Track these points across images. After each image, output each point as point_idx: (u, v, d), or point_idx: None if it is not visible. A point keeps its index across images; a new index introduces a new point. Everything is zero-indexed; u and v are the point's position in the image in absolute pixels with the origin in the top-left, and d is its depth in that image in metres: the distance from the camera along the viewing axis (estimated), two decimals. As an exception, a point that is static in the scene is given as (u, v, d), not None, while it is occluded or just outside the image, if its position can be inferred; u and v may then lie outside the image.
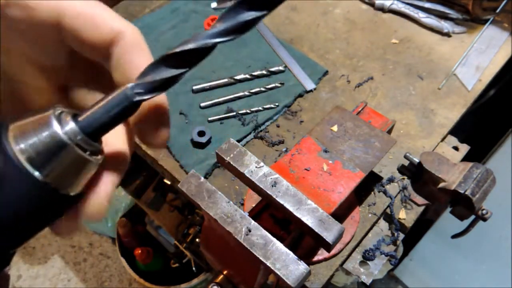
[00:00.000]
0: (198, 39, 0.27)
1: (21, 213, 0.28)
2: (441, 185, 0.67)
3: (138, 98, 0.28)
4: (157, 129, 0.31)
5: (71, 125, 0.28)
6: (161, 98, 0.31)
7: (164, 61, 0.28)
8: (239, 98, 0.92)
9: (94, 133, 0.28)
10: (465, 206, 0.66)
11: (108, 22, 0.30)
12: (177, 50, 0.27)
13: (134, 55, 0.30)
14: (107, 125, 0.29)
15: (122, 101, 0.28)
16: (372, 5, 1.11)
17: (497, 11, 1.07)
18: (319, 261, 0.73)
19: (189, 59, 0.28)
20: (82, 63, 0.33)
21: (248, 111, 0.89)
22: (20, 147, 0.27)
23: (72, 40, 0.30)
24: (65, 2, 0.29)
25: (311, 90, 0.95)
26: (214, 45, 0.28)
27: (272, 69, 0.95)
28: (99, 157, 0.30)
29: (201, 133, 0.84)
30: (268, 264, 0.51)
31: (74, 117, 0.29)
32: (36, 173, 0.27)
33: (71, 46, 0.31)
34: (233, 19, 0.27)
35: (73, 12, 0.29)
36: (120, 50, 0.30)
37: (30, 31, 0.30)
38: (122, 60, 0.30)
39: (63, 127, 0.28)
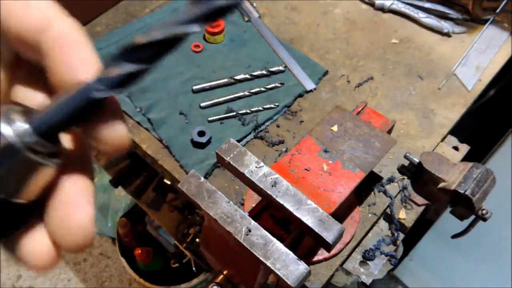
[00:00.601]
0: (166, 27, 0.24)
1: None
2: (441, 185, 0.67)
3: (97, 95, 0.25)
4: (112, 124, 0.26)
5: (21, 125, 0.25)
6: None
7: (128, 53, 0.24)
8: (239, 98, 0.92)
9: (48, 133, 0.25)
10: (465, 206, 0.66)
11: (36, 9, 0.26)
12: (143, 41, 0.24)
13: (67, 49, 0.26)
14: (63, 124, 0.25)
15: (80, 98, 0.25)
16: (372, 5, 1.11)
17: (497, 11, 1.06)
18: (319, 261, 0.73)
19: (156, 51, 0.24)
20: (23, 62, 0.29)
21: (248, 111, 0.89)
22: None
23: (3, 32, 0.26)
24: None
25: (311, 90, 0.94)
26: (186, 35, 0.24)
27: (272, 69, 0.95)
28: (56, 160, 0.26)
29: (201, 133, 0.84)
30: (268, 264, 0.51)
31: (26, 116, 0.25)
32: None
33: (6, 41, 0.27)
34: (206, 4, 0.24)
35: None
36: (49, 43, 0.26)
37: None
38: (53, 56, 0.26)
39: (11, 128, 0.24)
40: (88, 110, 0.25)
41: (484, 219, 0.66)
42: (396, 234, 0.76)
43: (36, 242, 0.27)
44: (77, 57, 0.26)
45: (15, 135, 0.24)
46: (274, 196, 0.56)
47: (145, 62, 0.25)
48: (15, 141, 0.24)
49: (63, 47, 0.26)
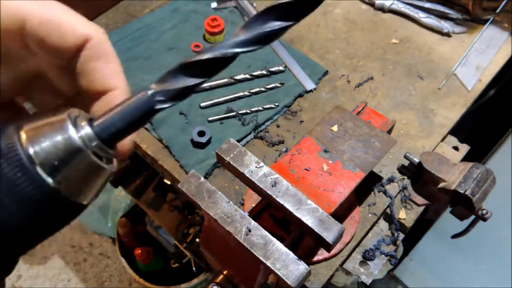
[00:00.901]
0: (218, 48, 0.26)
1: (30, 220, 0.26)
2: (441, 185, 0.67)
3: (159, 106, 0.27)
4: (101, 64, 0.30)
5: (86, 130, 0.27)
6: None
7: (184, 69, 0.27)
8: (239, 98, 0.92)
9: (109, 139, 0.27)
10: (465, 206, 0.66)
11: (74, 28, 0.29)
12: (197, 59, 0.27)
13: (100, 63, 0.29)
14: (124, 132, 0.27)
15: (142, 108, 0.27)
16: (372, 5, 1.11)
17: (497, 11, 1.06)
18: (319, 261, 0.73)
19: (208, 68, 0.27)
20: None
21: (248, 111, 0.89)
22: (33, 151, 0.25)
23: (36, 47, 0.29)
24: (27, 6, 0.27)
25: (311, 90, 0.94)
26: (235, 56, 0.27)
27: (272, 69, 0.95)
28: (113, 165, 0.28)
29: (201, 133, 0.84)
30: (268, 264, 0.51)
31: (90, 121, 0.27)
32: (48, 179, 0.26)
33: (34, 52, 0.30)
34: (257, 28, 0.26)
35: (36, 18, 0.27)
36: (86, 57, 0.29)
37: None
38: (88, 68, 0.29)
39: (78, 132, 0.26)
40: (146, 119, 0.27)
41: (484, 219, 0.66)
42: (396, 234, 0.76)
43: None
44: (108, 69, 0.30)
45: (79, 138, 0.26)
46: (274, 196, 0.56)
47: (200, 77, 0.27)
48: (81, 144, 0.26)
49: (100, 60, 0.30)
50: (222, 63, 0.27)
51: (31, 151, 0.25)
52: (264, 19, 0.26)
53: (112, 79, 0.30)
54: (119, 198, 1.73)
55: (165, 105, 0.27)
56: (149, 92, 0.27)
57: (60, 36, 0.28)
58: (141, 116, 0.27)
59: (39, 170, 0.25)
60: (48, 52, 0.29)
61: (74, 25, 0.29)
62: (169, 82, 0.27)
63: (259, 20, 0.26)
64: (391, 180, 0.81)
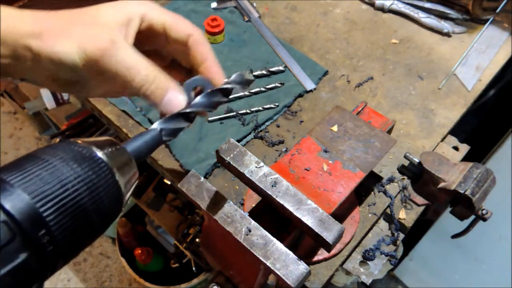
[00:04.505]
0: (195, 106, 0.49)
1: (103, 229, 0.35)
2: (441, 185, 0.67)
3: (164, 138, 0.46)
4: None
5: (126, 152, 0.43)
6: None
7: (178, 116, 0.47)
8: (239, 98, 0.92)
9: (136, 159, 0.43)
10: (465, 206, 0.66)
11: (185, 27, 0.52)
12: (186, 111, 0.48)
13: (201, 46, 0.53)
14: (144, 155, 0.44)
15: (155, 139, 0.45)
16: (372, 5, 1.11)
17: (497, 11, 1.06)
18: (319, 261, 0.73)
19: (191, 118, 0.49)
20: None
21: (248, 111, 0.89)
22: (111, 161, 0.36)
23: (169, 40, 0.52)
24: (168, 20, 0.51)
25: (311, 90, 0.94)
26: (199, 113, 0.51)
27: (272, 69, 0.95)
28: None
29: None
30: (268, 264, 0.51)
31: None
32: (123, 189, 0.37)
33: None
34: (213, 99, 0.51)
35: (171, 26, 0.51)
36: (192, 43, 0.52)
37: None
38: (194, 49, 0.53)
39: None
40: (156, 148, 0.46)
41: (484, 219, 0.66)
42: (396, 234, 0.76)
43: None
44: (207, 50, 0.54)
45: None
46: (274, 196, 0.56)
47: (187, 122, 0.49)
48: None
49: (200, 44, 0.53)
50: (194, 116, 0.49)
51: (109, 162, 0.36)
52: (211, 95, 0.51)
53: (207, 55, 0.54)
54: (119, 198, 1.73)
55: (167, 139, 0.46)
56: (158, 128, 0.46)
57: (179, 33, 0.52)
58: (154, 145, 0.45)
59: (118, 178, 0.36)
60: (174, 43, 0.52)
61: (184, 25, 0.52)
62: (168, 123, 0.46)
63: (211, 95, 0.51)
64: (391, 180, 0.81)
